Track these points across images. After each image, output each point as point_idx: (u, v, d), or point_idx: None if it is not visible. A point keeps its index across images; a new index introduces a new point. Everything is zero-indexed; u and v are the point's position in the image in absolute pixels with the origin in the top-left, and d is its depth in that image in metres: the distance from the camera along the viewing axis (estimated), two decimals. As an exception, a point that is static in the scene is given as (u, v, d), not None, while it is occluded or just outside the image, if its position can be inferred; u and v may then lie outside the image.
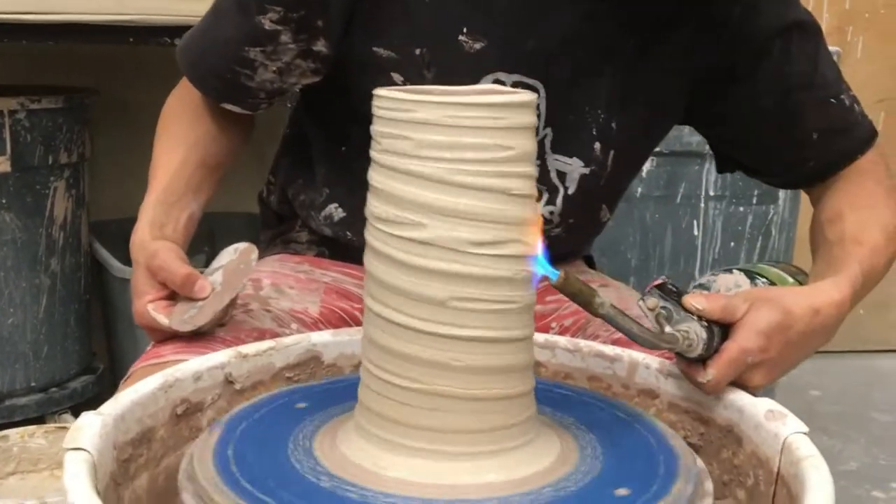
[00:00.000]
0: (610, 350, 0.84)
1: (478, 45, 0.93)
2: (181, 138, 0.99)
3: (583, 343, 0.86)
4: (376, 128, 0.63)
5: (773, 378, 0.79)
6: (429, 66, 0.93)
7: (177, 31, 1.66)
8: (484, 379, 0.63)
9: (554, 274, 0.64)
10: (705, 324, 0.74)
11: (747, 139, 1.05)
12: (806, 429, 0.69)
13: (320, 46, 0.94)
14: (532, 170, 0.64)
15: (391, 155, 0.62)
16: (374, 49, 0.94)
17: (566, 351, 0.86)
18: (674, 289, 0.75)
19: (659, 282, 0.74)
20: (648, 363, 0.82)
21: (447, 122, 0.61)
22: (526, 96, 0.64)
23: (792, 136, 1.02)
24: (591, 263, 1.22)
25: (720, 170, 1.13)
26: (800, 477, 0.64)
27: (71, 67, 2.05)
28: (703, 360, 0.75)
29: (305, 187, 1.08)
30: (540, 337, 0.85)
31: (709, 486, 0.66)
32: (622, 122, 1.00)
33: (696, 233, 1.86)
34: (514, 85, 0.94)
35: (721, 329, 0.76)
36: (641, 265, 1.85)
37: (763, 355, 0.76)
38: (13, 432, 1.54)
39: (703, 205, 1.85)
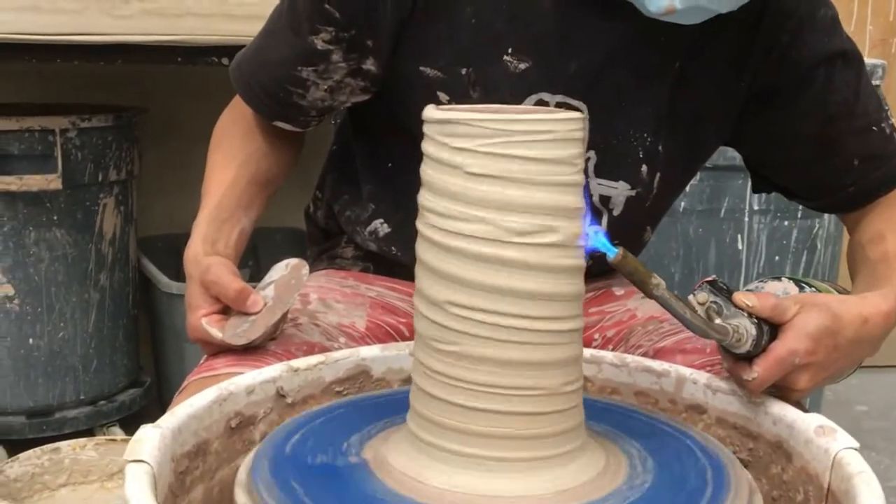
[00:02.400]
0: (657, 365, 0.85)
1: (522, 66, 0.94)
2: (233, 156, 1.01)
3: (629, 358, 0.86)
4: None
5: (818, 383, 0.79)
6: (474, 85, 0.95)
7: (224, 50, 1.68)
8: (538, 373, 0.64)
9: (612, 251, 0.64)
10: (755, 321, 0.75)
11: (787, 163, 1.06)
12: (857, 444, 0.69)
13: (370, 66, 0.96)
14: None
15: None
16: (421, 68, 0.95)
17: (612, 366, 0.86)
18: (724, 287, 0.75)
19: (710, 279, 0.75)
20: (696, 378, 0.82)
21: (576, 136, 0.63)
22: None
23: (832, 162, 1.02)
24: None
25: (756, 190, 1.14)
26: (851, 493, 0.64)
27: (120, 86, 2.10)
28: (749, 359, 0.75)
29: (351, 203, 1.09)
30: (587, 352, 0.85)
31: (758, 501, 0.66)
32: (668, 144, 1.00)
33: (740, 247, 1.84)
34: (558, 105, 0.95)
35: (770, 329, 0.76)
36: (685, 279, 1.84)
37: (810, 358, 0.76)
38: (65, 444, 1.57)
39: (747, 219, 1.84)
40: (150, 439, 0.64)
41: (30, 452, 1.54)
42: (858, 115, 1.02)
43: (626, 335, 1.01)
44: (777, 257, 1.86)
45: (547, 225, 0.62)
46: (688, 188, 1.80)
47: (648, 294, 0.68)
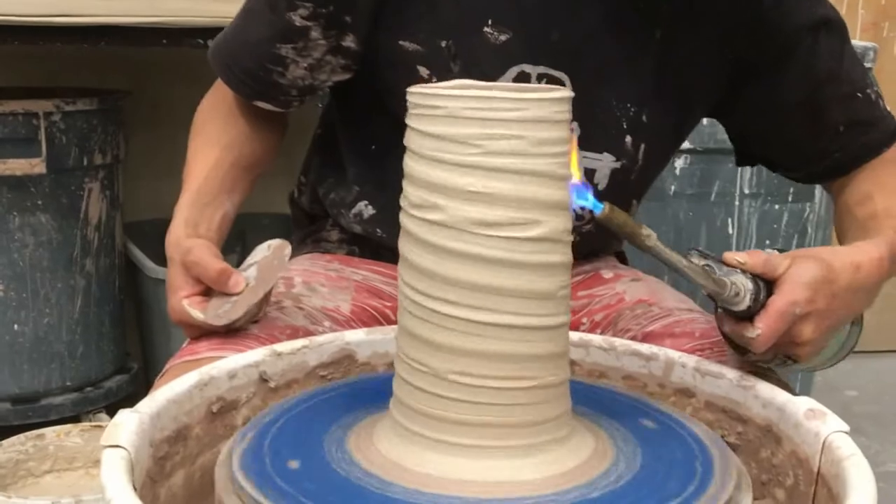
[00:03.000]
0: (646, 349, 0.84)
1: (503, 37, 0.94)
2: (214, 140, 1.00)
3: (618, 342, 0.85)
4: (472, 130, 0.61)
5: (822, 332, 0.78)
6: (454, 58, 0.94)
7: (209, 32, 1.66)
8: (521, 367, 0.62)
9: (599, 206, 0.63)
10: (749, 276, 0.74)
11: (773, 132, 1.05)
12: (847, 428, 0.68)
13: (349, 42, 0.95)
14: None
15: (497, 156, 0.61)
16: (401, 43, 0.94)
17: (600, 349, 0.85)
18: (710, 253, 0.74)
19: (695, 248, 0.74)
20: (685, 362, 0.81)
21: (557, 118, 0.61)
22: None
23: (817, 129, 1.02)
24: (622, 259, 1.21)
25: (739, 163, 1.14)
26: (841, 477, 0.63)
27: (105, 69, 2.07)
28: (749, 318, 0.74)
29: (336, 185, 1.08)
30: (574, 335, 0.84)
31: (747, 485, 0.65)
32: (653, 114, 1.00)
33: (730, 231, 1.84)
34: (540, 77, 0.95)
35: (765, 284, 0.75)
36: (675, 264, 1.83)
37: (810, 307, 0.75)
38: (49, 431, 1.56)
39: (737, 203, 1.83)
40: (128, 424, 0.63)
41: (14, 439, 1.53)
42: (843, 81, 1.02)
43: (614, 319, 1.00)
44: (767, 241, 1.86)
45: (532, 218, 0.61)
46: (678, 171, 1.80)
47: (641, 246, 0.66)
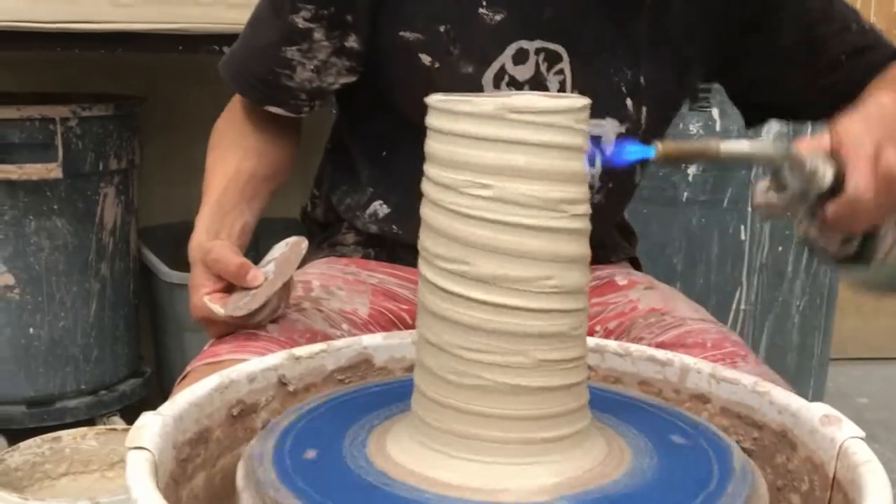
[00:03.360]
0: (661, 354, 0.84)
1: (498, 17, 0.97)
2: (231, 153, 1.03)
3: (633, 347, 0.86)
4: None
5: None
6: (454, 41, 0.97)
7: (224, 38, 1.68)
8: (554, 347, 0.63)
9: (650, 149, 0.63)
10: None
11: (775, 78, 1.09)
12: (862, 434, 0.68)
13: (352, 42, 0.98)
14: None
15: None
16: (401, 34, 0.98)
17: (616, 355, 0.86)
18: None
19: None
20: (700, 368, 0.82)
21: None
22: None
23: (820, 64, 1.06)
24: (637, 266, 1.22)
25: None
26: (857, 483, 0.63)
27: (121, 75, 2.09)
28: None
29: (350, 192, 1.10)
30: (591, 341, 0.85)
31: (763, 490, 0.66)
32: (650, 75, 1.03)
33: (743, 238, 1.84)
34: (538, 51, 0.98)
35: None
36: (687, 270, 1.83)
37: (876, 134, 0.76)
38: (66, 434, 1.57)
39: (750, 209, 1.83)
40: (152, 426, 0.63)
41: (30, 441, 1.54)
42: (836, 18, 1.07)
43: (627, 327, 1.01)
44: (780, 248, 1.86)
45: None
46: (690, 178, 1.80)
47: (715, 158, 0.66)
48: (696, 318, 0.98)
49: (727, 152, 0.66)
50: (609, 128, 1.02)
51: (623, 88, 1.02)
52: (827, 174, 0.74)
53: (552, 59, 0.99)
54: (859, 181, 0.74)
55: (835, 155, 0.76)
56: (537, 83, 0.99)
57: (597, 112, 1.01)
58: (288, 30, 0.98)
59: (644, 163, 1.11)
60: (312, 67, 0.99)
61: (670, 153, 0.63)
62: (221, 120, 1.08)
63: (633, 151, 0.63)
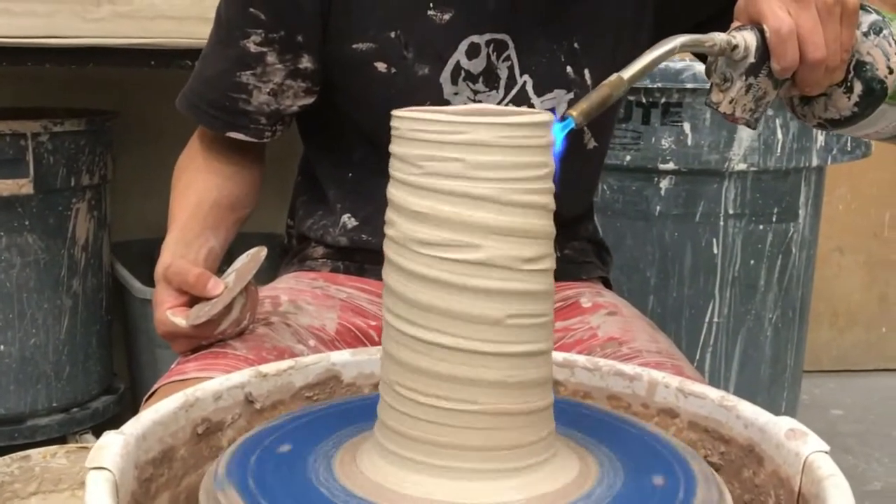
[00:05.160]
0: (629, 369, 0.84)
1: (447, 16, 1.00)
2: (193, 185, 1.04)
3: (602, 362, 0.86)
4: (416, 151, 0.62)
5: None
6: (406, 45, 0.99)
7: (197, 53, 1.66)
8: (508, 393, 0.63)
9: (568, 122, 0.65)
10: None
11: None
12: (827, 448, 0.68)
13: (306, 63, 1.00)
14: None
15: (439, 178, 0.61)
16: (354, 46, 1.00)
17: (585, 370, 0.86)
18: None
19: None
20: (668, 382, 0.82)
21: (502, 143, 0.61)
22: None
23: None
24: (608, 285, 1.22)
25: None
26: (821, 497, 0.64)
27: (93, 90, 2.08)
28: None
29: (324, 216, 1.12)
30: (559, 356, 0.85)
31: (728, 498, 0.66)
32: (584, 42, 1.05)
33: (715, 251, 1.85)
34: (488, 43, 1.01)
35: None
36: (660, 284, 1.84)
37: None
38: (35, 452, 1.55)
39: (722, 223, 1.84)
40: (113, 446, 0.63)
41: (-1, 460, 1.53)
42: None
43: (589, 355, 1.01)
44: (752, 261, 1.87)
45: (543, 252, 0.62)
46: (663, 192, 1.81)
47: (624, 85, 0.70)
48: (652, 350, 0.98)
49: (630, 74, 0.69)
50: (559, 98, 1.05)
51: (562, 58, 1.05)
52: (747, 37, 0.75)
53: (500, 48, 1.02)
54: (776, 12, 0.76)
55: (752, 21, 0.78)
56: (489, 73, 1.02)
57: (546, 87, 1.05)
58: (240, 55, 1.00)
59: (580, 133, 1.12)
60: (269, 91, 1.01)
61: (585, 111, 0.65)
62: (182, 157, 1.09)
63: (556, 132, 0.63)
